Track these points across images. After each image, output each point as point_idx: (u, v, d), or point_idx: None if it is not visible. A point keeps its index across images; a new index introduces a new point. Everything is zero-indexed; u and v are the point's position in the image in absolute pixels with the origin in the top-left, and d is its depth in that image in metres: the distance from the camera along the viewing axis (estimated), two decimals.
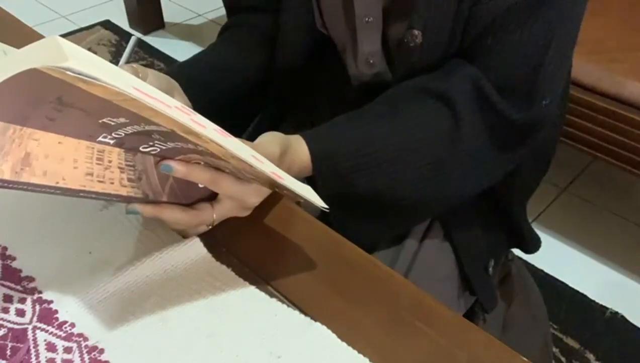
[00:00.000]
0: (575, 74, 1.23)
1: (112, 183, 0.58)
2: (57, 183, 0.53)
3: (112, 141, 0.55)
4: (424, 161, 0.68)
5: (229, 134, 0.52)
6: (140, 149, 0.58)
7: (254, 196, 0.61)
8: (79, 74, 0.42)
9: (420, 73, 0.72)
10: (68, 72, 0.42)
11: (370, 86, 0.82)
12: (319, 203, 0.58)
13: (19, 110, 0.48)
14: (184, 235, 0.63)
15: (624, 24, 1.48)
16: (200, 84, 0.77)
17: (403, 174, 0.68)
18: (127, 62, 0.68)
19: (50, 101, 0.48)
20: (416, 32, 0.69)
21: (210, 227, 0.62)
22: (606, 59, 1.36)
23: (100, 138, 0.54)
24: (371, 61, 0.79)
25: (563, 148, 0.91)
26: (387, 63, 0.79)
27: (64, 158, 0.54)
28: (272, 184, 0.58)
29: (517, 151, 0.73)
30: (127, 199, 0.59)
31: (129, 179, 0.59)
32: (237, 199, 0.61)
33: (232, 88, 0.82)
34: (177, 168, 0.57)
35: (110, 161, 0.57)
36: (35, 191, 0.53)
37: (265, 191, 0.62)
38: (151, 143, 0.56)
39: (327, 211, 0.58)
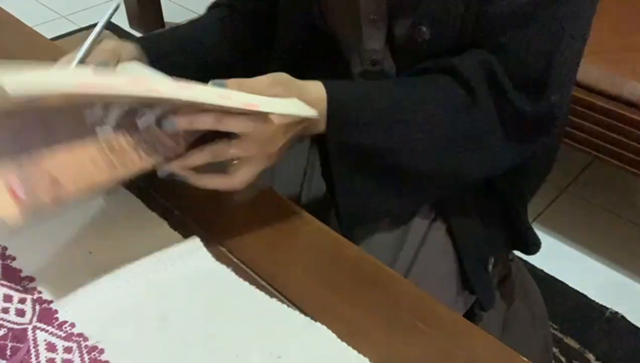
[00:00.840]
0: None
1: (134, 163, 0.59)
2: (88, 184, 0.56)
3: (110, 129, 0.57)
4: (437, 130, 0.68)
5: (192, 83, 0.53)
6: (139, 124, 0.59)
7: (269, 138, 0.60)
8: (22, 96, 0.44)
9: None
10: (13, 98, 0.43)
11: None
12: (308, 112, 0.58)
13: (13, 143, 0.51)
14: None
15: (624, 24, 1.48)
16: (170, 58, 0.78)
17: (413, 139, 0.68)
18: (104, 26, 0.70)
19: (33, 119, 0.50)
20: (424, 28, 0.69)
21: (235, 164, 0.61)
22: (606, 59, 1.36)
23: (98, 130, 0.56)
24: (374, 57, 0.79)
25: (563, 148, 0.91)
26: (392, 60, 0.79)
27: (82, 164, 0.56)
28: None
29: (528, 144, 0.73)
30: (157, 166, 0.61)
31: (147, 153, 0.60)
32: (251, 136, 0.60)
33: (200, 65, 0.82)
34: (180, 122, 0.58)
35: (121, 146, 0.59)
36: (77, 202, 0.58)
37: (272, 129, 0.61)
38: (143, 112, 0.58)
39: (316, 118, 0.58)
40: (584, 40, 0.72)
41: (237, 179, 0.62)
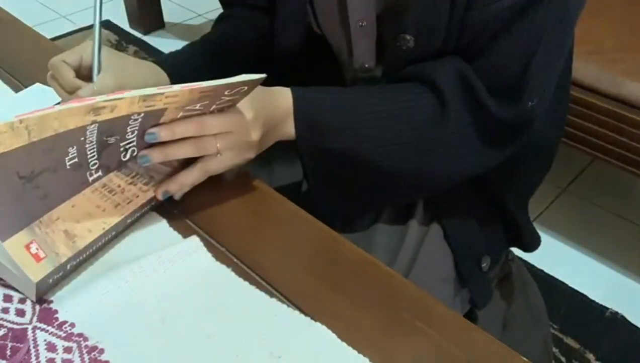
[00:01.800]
0: (575, 74, 1.23)
1: (138, 196, 0.63)
2: (104, 228, 0.59)
3: (100, 172, 0.60)
4: (406, 132, 0.69)
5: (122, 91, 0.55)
6: (122, 158, 0.62)
7: (249, 128, 0.64)
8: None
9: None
10: None
11: (364, 84, 0.82)
12: (256, 76, 0.60)
13: (21, 217, 0.54)
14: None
15: (624, 24, 1.48)
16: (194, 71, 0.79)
17: (384, 142, 0.69)
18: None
19: (18, 181, 0.53)
20: (408, 36, 0.70)
21: (219, 156, 0.64)
22: (606, 59, 1.36)
23: (89, 179, 0.59)
24: (367, 65, 0.80)
25: (563, 148, 0.91)
26: (380, 63, 0.79)
27: (89, 212, 0.59)
28: (214, 97, 0.60)
29: (502, 148, 0.74)
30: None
31: (145, 183, 0.64)
32: (232, 132, 0.63)
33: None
34: (161, 132, 0.61)
35: (119, 186, 0.62)
36: (99, 245, 0.60)
37: (248, 122, 0.65)
38: (122, 147, 0.60)
39: (264, 77, 0.61)
40: (564, 48, 0.72)
41: (224, 163, 0.65)
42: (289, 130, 0.69)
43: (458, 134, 0.70)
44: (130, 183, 0.63)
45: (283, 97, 0.69)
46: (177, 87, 0.57)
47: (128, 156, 0.62)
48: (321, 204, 0.72)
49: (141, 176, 0.64)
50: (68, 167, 0.56)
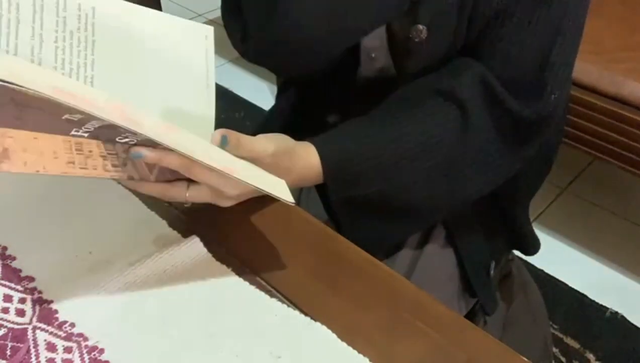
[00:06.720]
0: (575, 74, 1.22)
1: (95, 169, 0.58)
2: (38, 171, 0.54)
3: (86, 135, 0.56)
4: (434, 161, 0.68)
5: (177, 129, 0.52)
6: (117, 140, 0.58)
7: (232, 187, 0.60)
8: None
9: (425, 69, 0.72)
10: None
11: (376, 82, 0.82)
12: (287, 197, 0.57)
13: None
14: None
15: (624, 24, 1.48)
16: None
17: (414, 176, 0.68)
18: None
19: (7, 103, 0.49)
20: (421, 27, 0.69)
21: (186, 205, 0.61)
22: (606, 59, 1.36)
23: (73, 132, 0.55)
24: (373, 55, 0.79)
25: (563, 148, 0.91)
26: (392, 59, 0.79)
27: (42, 152, 0.54)
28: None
29: (527, 147, 0.73)
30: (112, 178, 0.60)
31: (114, 165, 0.59)
32: (212, 187, 0.59)
33: None
34: (148, 154, 0.57)
35: (90, 151, 0.57)
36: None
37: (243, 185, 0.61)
38: (125, 135, 0.56)
39: (293, 205, 0.58)
40: (579, 37, 0.72)
41: (190, 198, 0.61)
42: (312, 183, 0.68)
43: (484, 144, 0.69)
44: (102, 156, 0.58)
45: (309, 163, 0.66)
46: (220, 161, 0.53)
47: (123, 141, 0.58)
48: (352, 238, 0.68)
49: (117, 158, 0.59)
50: (62, 118, 0.53)
